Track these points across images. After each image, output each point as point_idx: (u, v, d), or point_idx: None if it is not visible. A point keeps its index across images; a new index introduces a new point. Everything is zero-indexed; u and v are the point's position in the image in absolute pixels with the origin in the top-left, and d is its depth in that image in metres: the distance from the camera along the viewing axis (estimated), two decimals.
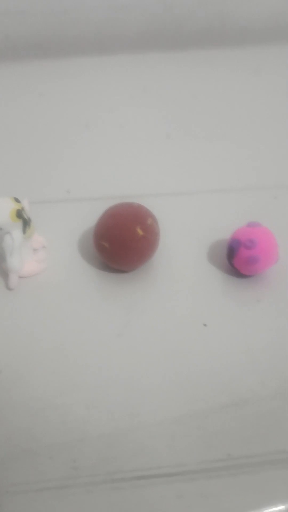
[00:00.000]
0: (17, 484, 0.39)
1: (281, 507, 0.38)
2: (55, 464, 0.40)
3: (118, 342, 0.48)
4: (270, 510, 0.38)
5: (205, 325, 0.49)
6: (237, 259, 0.51)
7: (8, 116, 0.70)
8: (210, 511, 0.38)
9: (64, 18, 0.75)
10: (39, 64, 0.75)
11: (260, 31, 0.79)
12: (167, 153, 0.66)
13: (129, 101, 0.72)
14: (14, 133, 0.67)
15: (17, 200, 0.49)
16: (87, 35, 0.76)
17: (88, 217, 0.54)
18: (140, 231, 0.49)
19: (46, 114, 0.70)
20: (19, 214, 0.49)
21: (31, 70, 0.74)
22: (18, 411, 0.43)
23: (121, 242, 0.49)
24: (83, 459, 0.40)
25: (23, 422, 0.42)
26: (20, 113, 0.70)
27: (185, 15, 0.78)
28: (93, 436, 0.42)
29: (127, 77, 0.76)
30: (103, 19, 0.76)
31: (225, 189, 0.61)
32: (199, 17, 0.78)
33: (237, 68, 0.78)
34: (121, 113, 0.71)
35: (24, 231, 0.50)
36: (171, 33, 0.78)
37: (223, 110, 0.72)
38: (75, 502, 0.38)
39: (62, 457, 0.40)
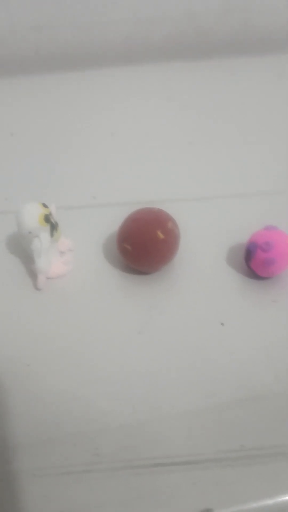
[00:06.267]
0: (43, 468, 0.40)
1: None
2: (78, 451, 0.41)
3: (140, 339, 0.49)
4: (280, 499, 0.39)
5: (222, 324, 0.50)
6: (254, 261, 0.52)
7: (40, 125, 0.71)
8: (223, 498, 0.39)
9: (91, 31, 0.76)
10: (68, 75, 0.76)
11: (282, 40, 0.79)
12: (189, 159, 0.66)
13: (153, 110, 0.73)
14: (44, 142, 0.69)
15: (45, 206, 0.51)
16: (114, 47, 0.77)
17: (112, 221, 0.54)
18: (160, 235, 0.50)
19: (74, 123, 0.71)
20: (47, 218, 0.50)
21: (60, 82, 0.75)
22: (44, 401, 0.44)
23: (143, 245, 0.51)
24: (104, 447, 0.41)
25: (49, 412, 0.43)
26: (50, 122, 0.71)
27: (208, 25, 0.78)
28: (115, 426, 0.43)
29: (152, 86, 0.77)
30: (129, 31, 0.77)
31: (244, 194, 0.62)
32: (222, 27, 0.78)
33: (259, 76, 0.78)
34: (145, 121, 0.71)
35: (51, 235, 0.52)
36: (195, 43, 0.79)
37: (243, 117, 0.72)
38: (96, 486, 0.39)
39: (85, 445, 0.42)
